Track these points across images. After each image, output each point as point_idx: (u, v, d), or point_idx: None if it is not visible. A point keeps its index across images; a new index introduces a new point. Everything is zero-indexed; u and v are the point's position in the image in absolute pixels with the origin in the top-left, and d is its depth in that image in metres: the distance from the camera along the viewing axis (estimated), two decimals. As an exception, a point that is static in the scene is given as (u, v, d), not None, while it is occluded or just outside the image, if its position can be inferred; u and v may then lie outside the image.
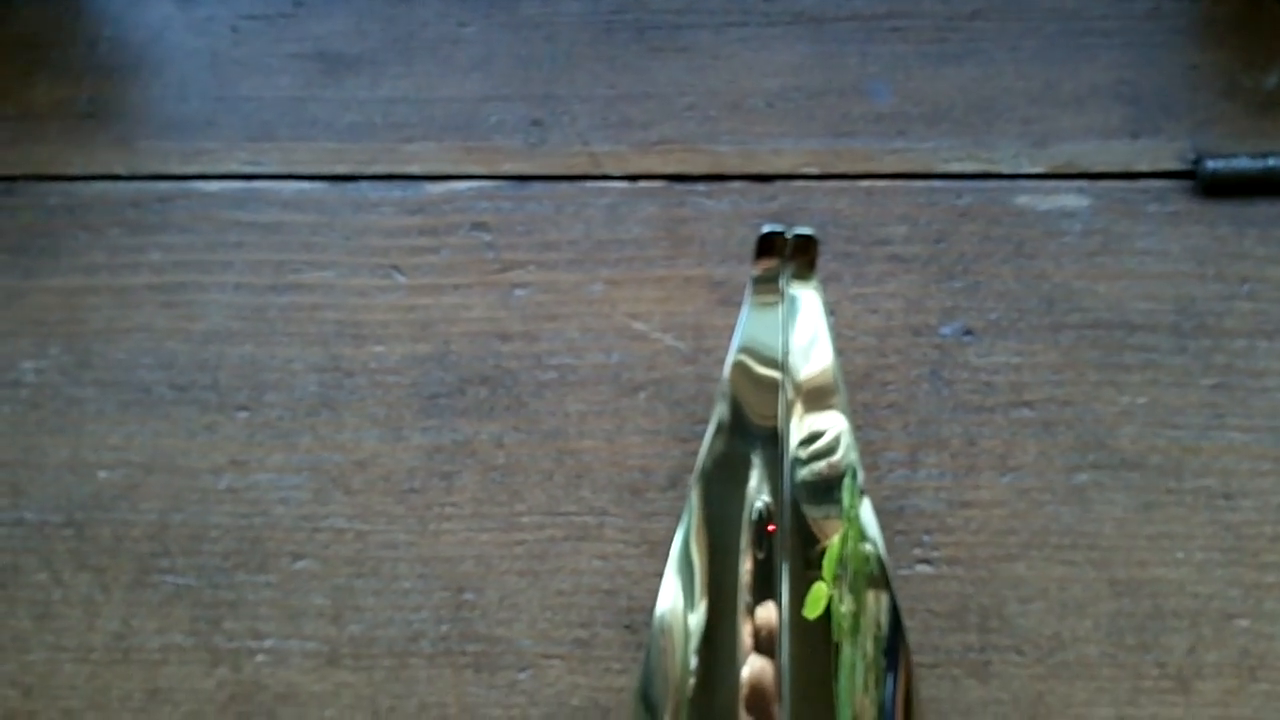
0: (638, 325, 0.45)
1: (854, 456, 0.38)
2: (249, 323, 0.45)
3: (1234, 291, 0.44)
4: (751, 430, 0.37)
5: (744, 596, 0.37)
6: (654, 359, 0.44)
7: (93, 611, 0.43)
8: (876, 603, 0.37)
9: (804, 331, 0.39)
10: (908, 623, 0.39)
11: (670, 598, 0.37)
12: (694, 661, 0.37)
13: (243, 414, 0.44)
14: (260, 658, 0.43)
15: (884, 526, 0.40)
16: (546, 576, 0.43)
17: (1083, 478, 0.42)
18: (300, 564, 0.43)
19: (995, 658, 0.42)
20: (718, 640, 0.37)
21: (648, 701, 0.37)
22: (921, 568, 0.42)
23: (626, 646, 0.42)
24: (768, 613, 0.36)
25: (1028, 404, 0.43)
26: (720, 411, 0.37)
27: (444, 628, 0.43)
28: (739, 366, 0.38)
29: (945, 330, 0.44)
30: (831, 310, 0.41)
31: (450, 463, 0.44)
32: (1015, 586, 0.42)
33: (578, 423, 0.44)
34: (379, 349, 0.45)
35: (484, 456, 0.44)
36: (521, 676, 0.42)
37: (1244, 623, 0.41)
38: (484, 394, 0.44)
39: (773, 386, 0.38)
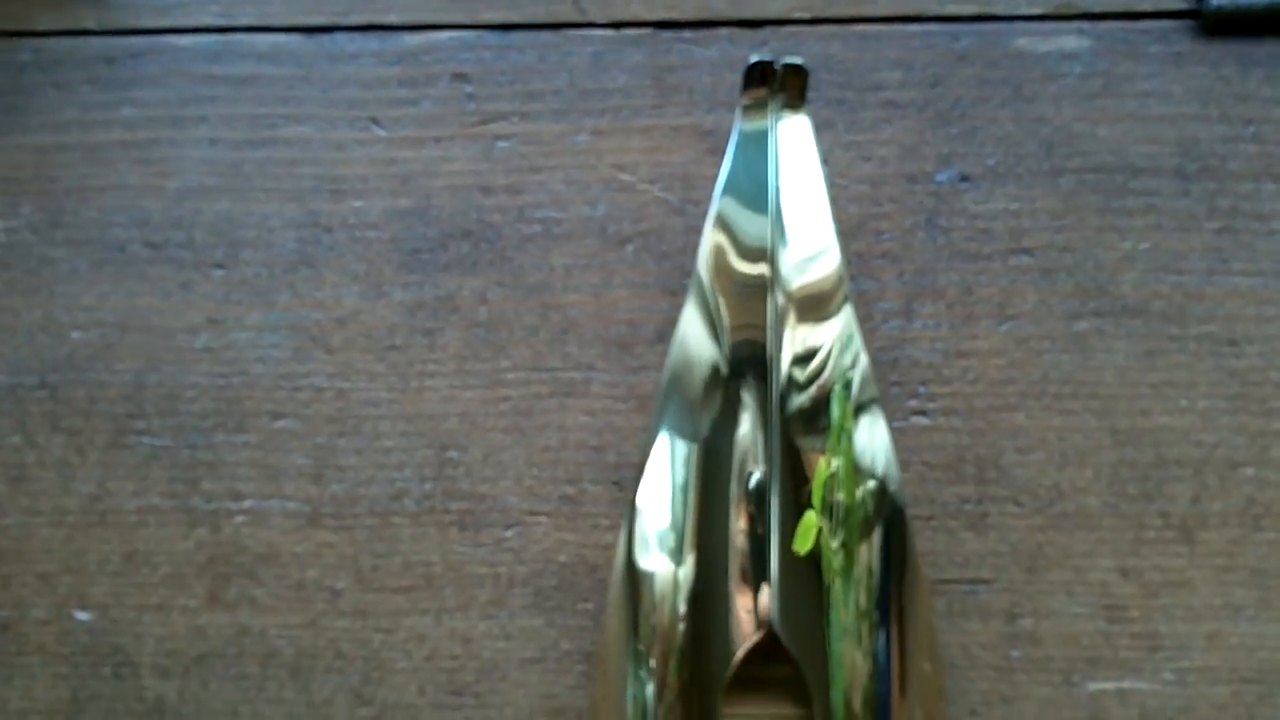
0: (624, 176, 0.42)
1: (851, 354, 0.36)
2: (225, 179, 0.43)
3: (1239, 133, 0.41)
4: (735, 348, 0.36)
5: (735, 544, 0.36)
6: (641, 211, 0.42)
7: (68, 474, 0.41)
8: (870, 547, 0.36)
9: (793, 168, 0.37)
10: (904, 474, 0.37)
11: (656, 551, 0.35)
12: (683, 610, 0.35)
13: (219, 272, 0.42)
14: (240, 519, 0.41)
15: (879, 379, 0.38)
16: (532, 433, 0.41)
17: (1083, 325, 0.40)
18: (280, 423, 0.41)
19: (993, 509, 0.39)
20: (708, 592, 0.35)
21: (636, 651, 0.35)
22: (917, 419, 0.40)
23: (615, 503, 0.40)
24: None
25: (1026, 251, 0.41)
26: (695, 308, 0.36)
27: (428, 486, 0.41)
28: (722, 223, 0.36)
29: (941, 177, 0.42)
30: (825, 159, 0.39)
31: (432, 319, 0.41)
32: (1013, 437, 0.40)
33: (563, 277, 0.41)
34: (358, 204, 0.42)
35: (467, 312, 0.41)
36: (508, 534, 0.40)
37: (1249, 471, 0.39)
38: (466, 249, 0.42)
39: (759, 287, 0.36)
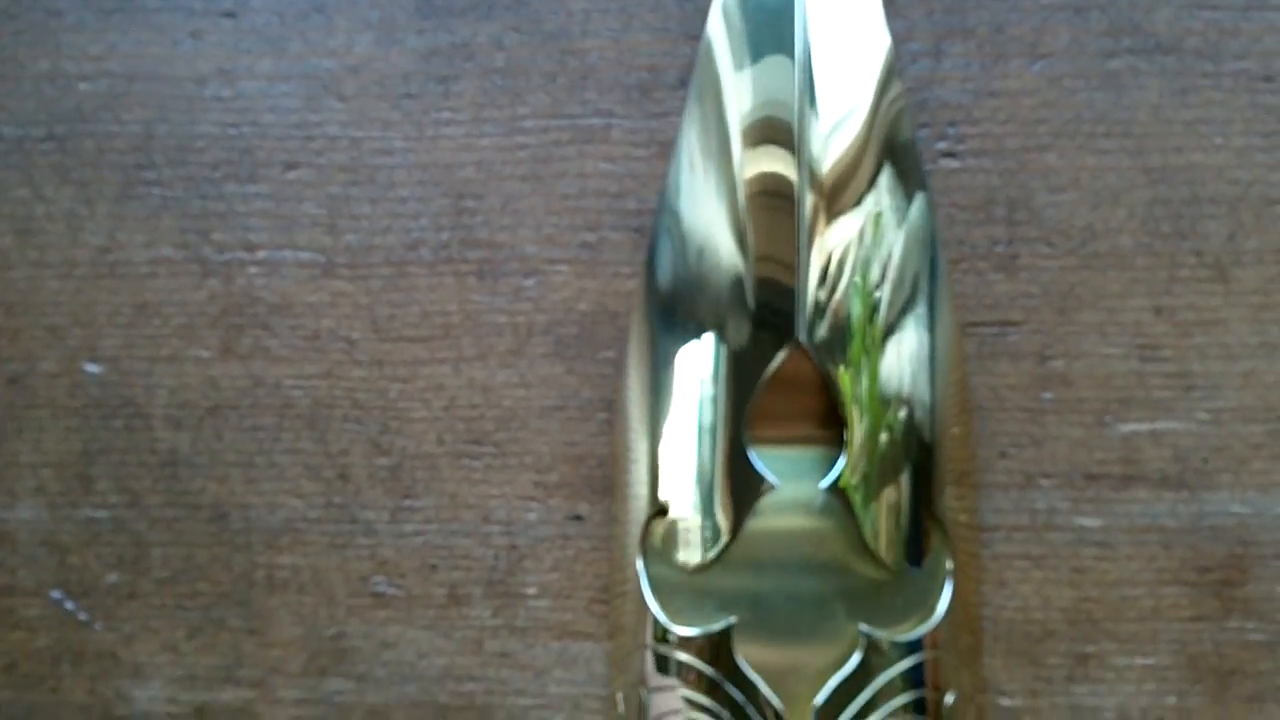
0: (643, -78, 0.40)
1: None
2: (233, -70, 0.40)
3: None
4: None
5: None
6: (661, -43, 0.39)
7: (76, 226, 0.39)
8: (903, 276, 0.33)
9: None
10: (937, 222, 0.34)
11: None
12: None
13: (229, 20, 0.39)
14: (253, 269, 0.39)
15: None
16: (551, 181, 0.38)
17: (1116, 63, 0.38)
18: (293, 173, 0.39)
19: (1024, 250, 0.37)
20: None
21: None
22: (946, 161, 0.37)
23: (636, 249, 0.38)
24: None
25: (1058, -11, 0.38)
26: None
27: (444, 235, 0.38)
28: None
29: (969, -82, 0.39)
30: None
31: (448, 66, 0.39)
32: (1045, 177, 0.37)
33: (582, 21, 0.39)
34: (370, -47, 0.40)
35: (483, 59, 0.39)
36: (527, 283, 0.38)
37: (1286, 208, 0.37)
38: (482, -4, 0.39)
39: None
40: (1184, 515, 0.34)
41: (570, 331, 0.36)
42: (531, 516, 0.35)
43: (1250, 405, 0.34)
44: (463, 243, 0.36)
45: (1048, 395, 0.35)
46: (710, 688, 0.31)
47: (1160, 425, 0.35)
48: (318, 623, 0.35)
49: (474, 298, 0.36)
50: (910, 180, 0.32)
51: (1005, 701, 0.34)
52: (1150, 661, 0.34)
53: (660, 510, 0.32)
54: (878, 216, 0.32)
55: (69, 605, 0.36)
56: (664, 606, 0.32)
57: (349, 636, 0.35)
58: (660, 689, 0.32)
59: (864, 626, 0.31)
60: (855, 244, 0.32)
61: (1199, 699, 0.34)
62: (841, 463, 0.31)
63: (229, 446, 0.36)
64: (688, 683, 0.32)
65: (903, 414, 0.32)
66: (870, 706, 0.31)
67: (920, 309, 0.32)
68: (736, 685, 0.31)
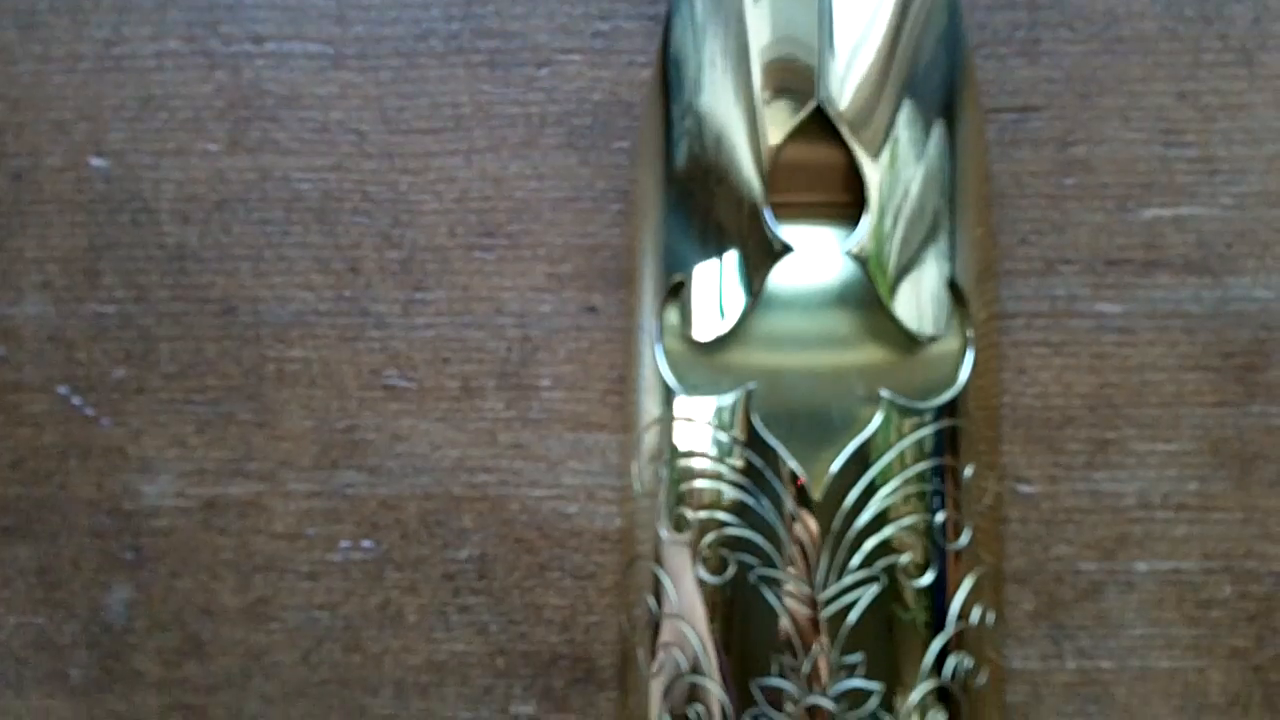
0: None
1: None
2: None
3: None
4: None
5: None
6: None
7: (81, 20, 0.37)
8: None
9: None
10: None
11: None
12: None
13: None
14: (260, 61, 0.37)
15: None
16: (564, -29, 0.37)
17: None
18: (300, -35, 0.38)
19: (1046, 35, 0.36)
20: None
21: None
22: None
23: (650, 38, 0.36)
24: None
25: None
26: None
27: (455, 25, 0.37)
28: None
29: None
30: None
31: None
32: (1067, -38, 0.36)
33: None
34: None
35: None
36: (540, 73, 0.37)
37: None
38: None
39: None
40: (1207, 301, 0.33)
41: (584, 122, 0.35)
42: (545, 308, 0.34)
43: (1275, 190, 0.34)
44: (474, 32, 0.35)
45: (1069, 181, 0.34)
46: (728, 454, 0.30)
47: (1183, 210, 0.34)
48: (328, 416, 0.34)
49: (485, 88, 0.35)
50: None
51: (1024, 488, 0.33)
52: (1172, 447, 0.33)
53: (676, 287, 0.31)
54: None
55: (76, 401, 0.35)
56: (681, 381, 0.31)
57: (360, 429, 0.34)
58: (678, 460, 0.31)
59: (885, 392, 0.30)
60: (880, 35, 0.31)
61: (1221, 484, 0.33)
62: (862, 227, 0.30)
63: (237, 240, 0.35)
64: (706, 453, 0.31)
65: (922, 186, 0.31)
66: (888, 472, 0.30)
67: (942, 97, 0.31)
68: (755, 450, 0.30)
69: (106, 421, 0.35)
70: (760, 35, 0.31)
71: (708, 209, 0.31)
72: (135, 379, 0.35)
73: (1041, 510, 0.33)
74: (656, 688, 0.31)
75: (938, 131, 0.31)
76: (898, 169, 0.31)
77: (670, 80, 0.32)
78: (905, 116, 0.31)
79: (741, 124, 0.31)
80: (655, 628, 0.31)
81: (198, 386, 0.35)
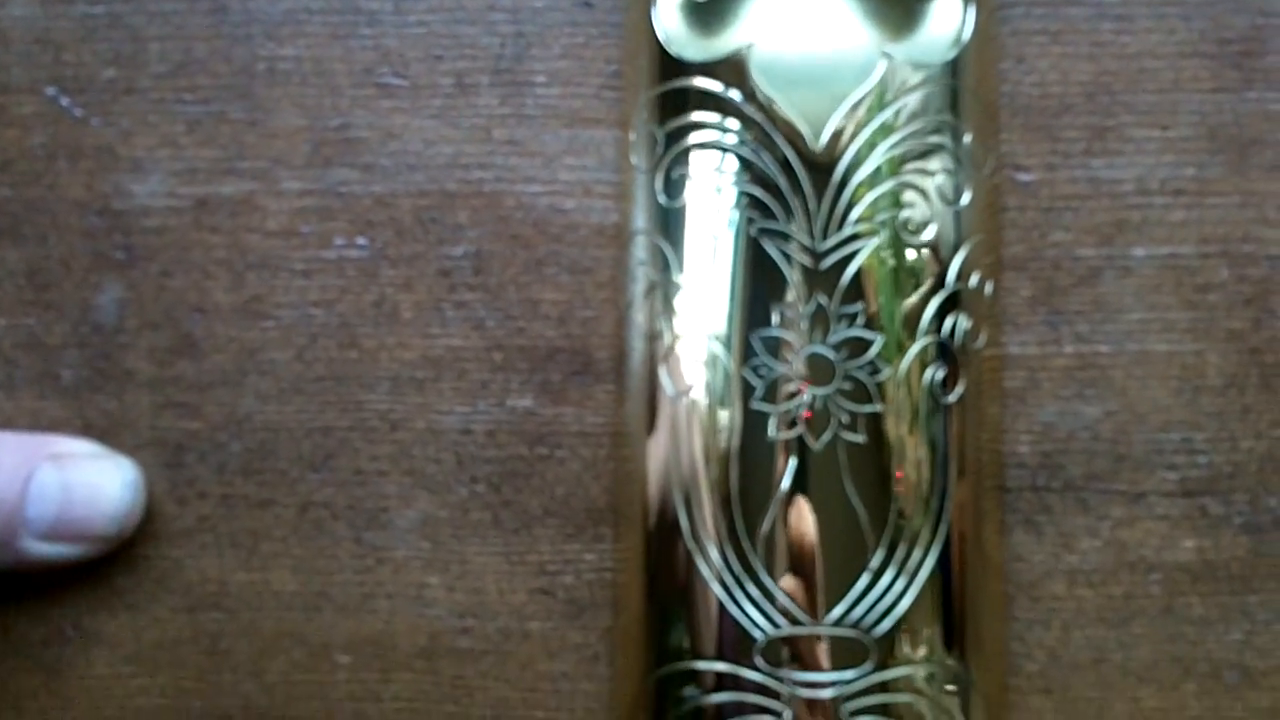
0: None
1: None
2: None
3: None
4: None
5: None
6: None
7: None
8: None
9: None
10: None
11: None
12: None
13: None
14: None
15: None
16: None
17: None
18: None
19: None
20: None
21: None
22: None
23: None
24: None
25: None
26: None
27: None
28: None
29: None
30: None
31: None
32: None
33: None
34: None
35: None
36: None
37: None
38: None
39: None
40: (1204, -13, 0.33)
41: None
42: (539, 3, 0.34)
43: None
44: None
45: None
46: (728, 114, 0.29)
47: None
48: (321, 113, 0.34)
49: None
50: None
51: (1023, 176, 0.33)
52: (1169, 133, 0.33)
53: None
54: None
55: (64, 101, 0.34)
56: (678, 45, 0.30)
57: (353, 127, 0.34)
58: (673, 121, 0.30)
59: (886, 48, 0.29)
60: None
61: (1218, 169, 0.32)
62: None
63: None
64: (705, 119, 0.30)
65: None
66: (888, 127, 0.30)
67: None
68: (755, 106, 0.29)
69: (96, 121, 0.34)
70: None
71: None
72: (125, 79, 0.34)
73: (1040, 198, 0.33)
74: (660, 356, 0.30)
75: None
76: None
77: None
78: None
79: None
80: (657, 296, 0.30)
81: (188, 86, 0.34)
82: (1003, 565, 0.32)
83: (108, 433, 0.34)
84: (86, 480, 0.32)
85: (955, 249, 0.30)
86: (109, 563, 0.33)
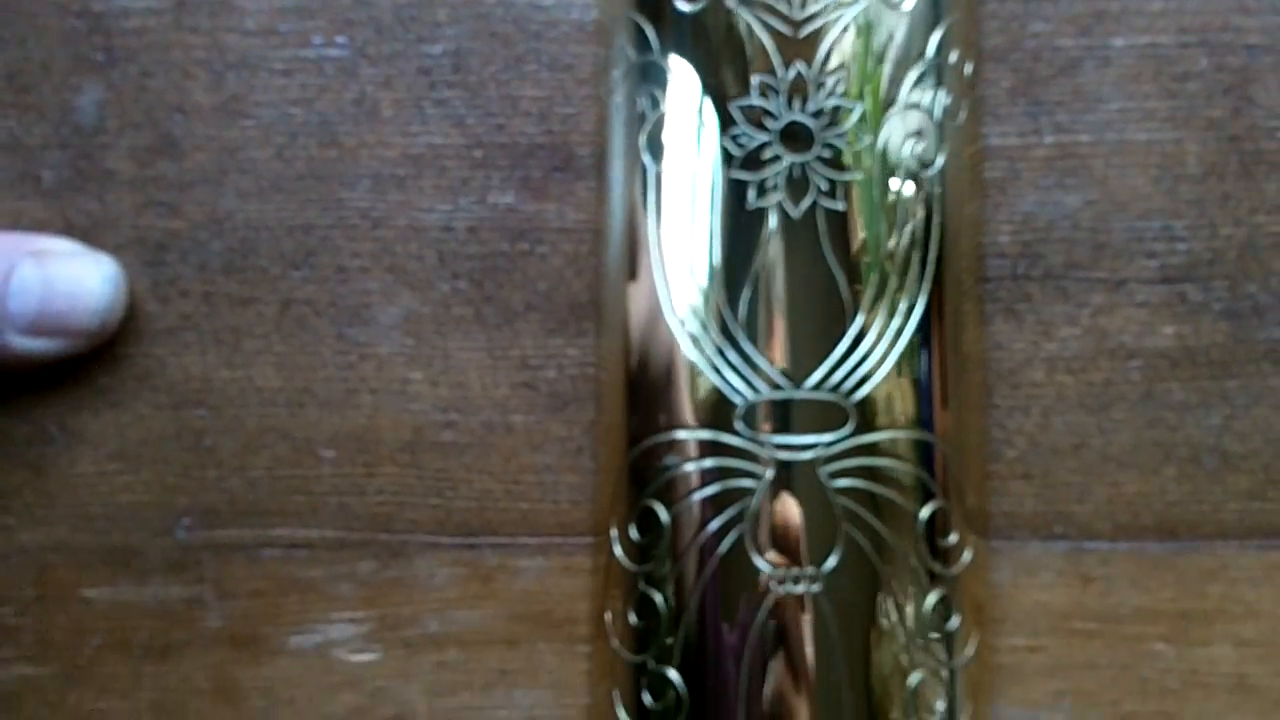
0: None
1: None
2: None
3: None
4: None
5: None
6: None
7: None
8: None
9: None
10: None
11: None
12: None
13: None
14: None
15: None
16: None
17: None
18: None
19: None
20: None
21: None
22: None
23: None
24: None
25: None
26: None
27: None
28: None
29: None
30: None
31: None
32: None
33: None
34: None
35: None
36: None
37: None
38: None
39: None
40: None
41: None
42: None
43: None
44: None
45: None
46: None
47: None
48: (299, -88, 0.33)
49: None
50: None
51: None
52: (1149, -77, 0.32)
53: None
54: None
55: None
56: None
57: (332, -74, 0.33)
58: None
59: None
60: None
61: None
62: None
63: None
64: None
65: None
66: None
67: None
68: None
69: (73, -77, 0.33)
70: None
71: None
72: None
73: (1019, -12, 0.32)
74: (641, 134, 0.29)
75: None
76: None
77: None
78: None
79: None
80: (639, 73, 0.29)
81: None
82: (981, 335, 0.32)
83: (89, 233, 0.33)
84: (67, 275, 0.32)
85: (935, 22, 0.30)
86: (92, 361, 0.33)
